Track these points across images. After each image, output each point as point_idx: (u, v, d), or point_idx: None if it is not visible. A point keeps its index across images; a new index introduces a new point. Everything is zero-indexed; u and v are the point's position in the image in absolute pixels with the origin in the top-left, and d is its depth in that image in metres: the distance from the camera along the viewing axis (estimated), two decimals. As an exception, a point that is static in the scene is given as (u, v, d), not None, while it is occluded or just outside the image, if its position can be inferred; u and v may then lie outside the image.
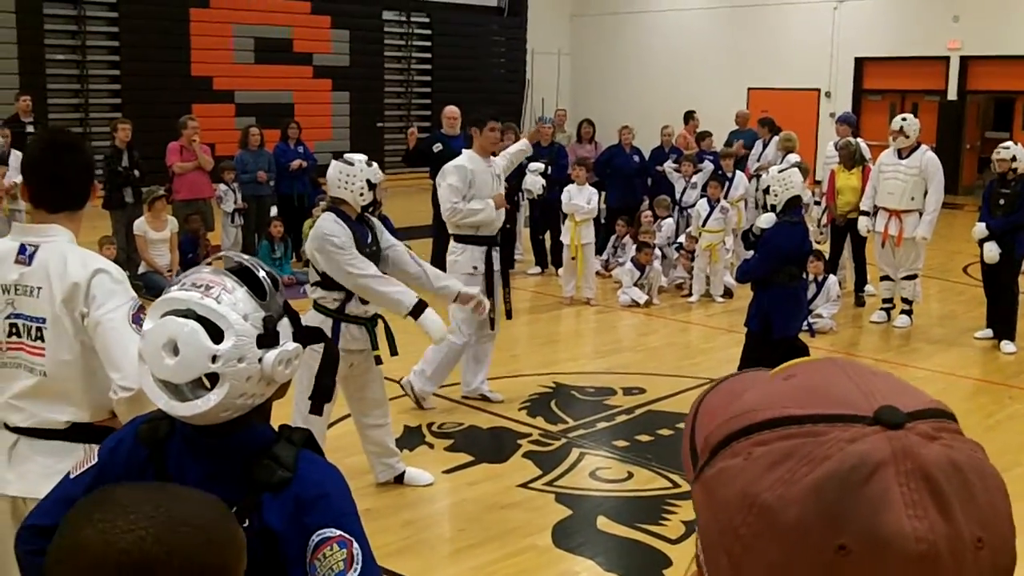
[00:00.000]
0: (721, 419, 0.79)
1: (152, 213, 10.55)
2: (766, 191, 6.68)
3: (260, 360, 1.91)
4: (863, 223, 9.68)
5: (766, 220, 6.71)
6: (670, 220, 11.67)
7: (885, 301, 9.75)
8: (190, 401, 1.89)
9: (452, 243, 6.90)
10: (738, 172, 11.59)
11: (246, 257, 2.05)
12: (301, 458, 1.96)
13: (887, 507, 0.69)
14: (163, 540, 1.24)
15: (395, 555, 4.76)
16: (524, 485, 5.66)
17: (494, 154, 7.17)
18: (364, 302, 5.17)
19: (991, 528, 0.72)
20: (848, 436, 0.72)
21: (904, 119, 9.38)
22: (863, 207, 9.68)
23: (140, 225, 10.50)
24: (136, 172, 11.14)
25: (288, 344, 1.96)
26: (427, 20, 23.19)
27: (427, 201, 11.38)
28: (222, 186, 11.87)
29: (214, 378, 1.88)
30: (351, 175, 5.16)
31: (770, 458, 0.73)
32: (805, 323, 7.80)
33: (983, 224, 8.79)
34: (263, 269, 2.02)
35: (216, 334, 1.88)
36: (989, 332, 9.01)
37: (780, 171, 6.77)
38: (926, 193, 9.26)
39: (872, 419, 0.73)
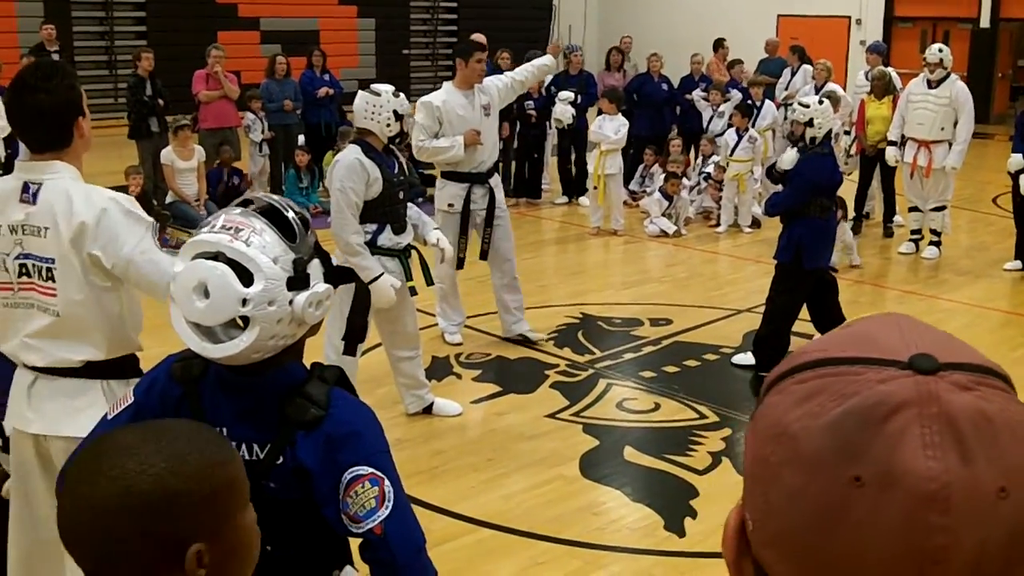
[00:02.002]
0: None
1: (178, 142, 10.55)
2: (809, 123, 6.57)
3: (290, 303, 1.91)
4: (891, 153, 9.56)
5: (789, 160, 6.64)
6: (716, 157, 11.46)
7: (913, 232, 9.68)
8: (222, 343, 1.90)
9: (438, 177, 6.85)
10: (766, 101, 11.44)
11: (275, 197, 2.04)
12: (333, 396, 1.99)
13: (904, 445, 0.70)
14: (177, 472, 1.27)
15: (425, 484, 4.85)
16: (552, 416, 5.73)
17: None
18: (396, 233, 5.19)
19: (1017, 479, 0.71)
20: (879, 377, 0.73)
21: (941, 50, 9.23)
22: (891, 136, 9.57)
23: (167, 154, 10.50)
24: (160, 101, 11.12)
25: (319, 285, 1.97)
26: (454, -56, 22.84)
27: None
28: (249, 115, 11.82)
29: (245, 320, 1.90)
30: (378, 105, 5.12)
31: (803, 393, 0.75)
32: None
33: (1019, 155, 8.65)
34: (293, 210, 2.01)
35: (246, 277, 1.88)
36: (1019, 263, 8.94)
37: (819, 102, 6.68)
38: (956, 123, 9.13)
39: (906, 364, 0.74)
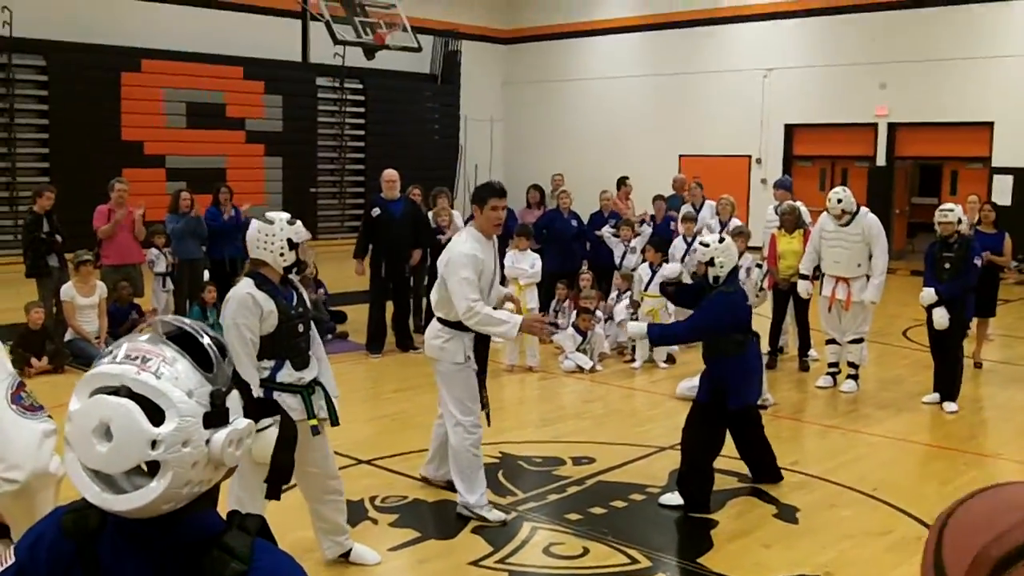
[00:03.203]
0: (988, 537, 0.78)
1: (79, 277, 10.15)
2: (710, 262, 6.50)
3: (207, 443, 1.64)
4: (803, 286, 9.64)
5: (671, 270, 6.57)
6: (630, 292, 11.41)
7: (831, 365, 9.67)
8: (127, 493, 1.61)
9: (437, 326, 6.00)
10: (697, 238, 11.47)
11: (187, 321, 1.76)
12: (257, 548, 1.70)
13: None
14: None
15: (340, 645, 4.43)
16: (476, 563, 5.36)
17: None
18: (297, 368, 4.87)
19: None
20: None
21: (840, 199, 9.25)
22: (802, 270, 9.65)
23: (67, 290, 10.10)
24: (58, 238, 10.73)
25: (239, 421, 1.70)
26: (360, 86, 23.14)
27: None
28: (153, 250, 11.53)
29: (154, 466, 1.61)
30: (271, 234, 4.85)
31: None
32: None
33: (931, 289, 8.73)
34: (208, 335, 1.73)
35: (156, 415, 1.60)
36: (936, 396, 8.94)
37: (721, 241, 6.61)
38: (871, 256, 9.24)
39: None
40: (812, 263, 9.53)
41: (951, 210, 8.99)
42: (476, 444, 6.00)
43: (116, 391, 1.61)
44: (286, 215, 5.02)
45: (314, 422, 4.91)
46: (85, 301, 10.15)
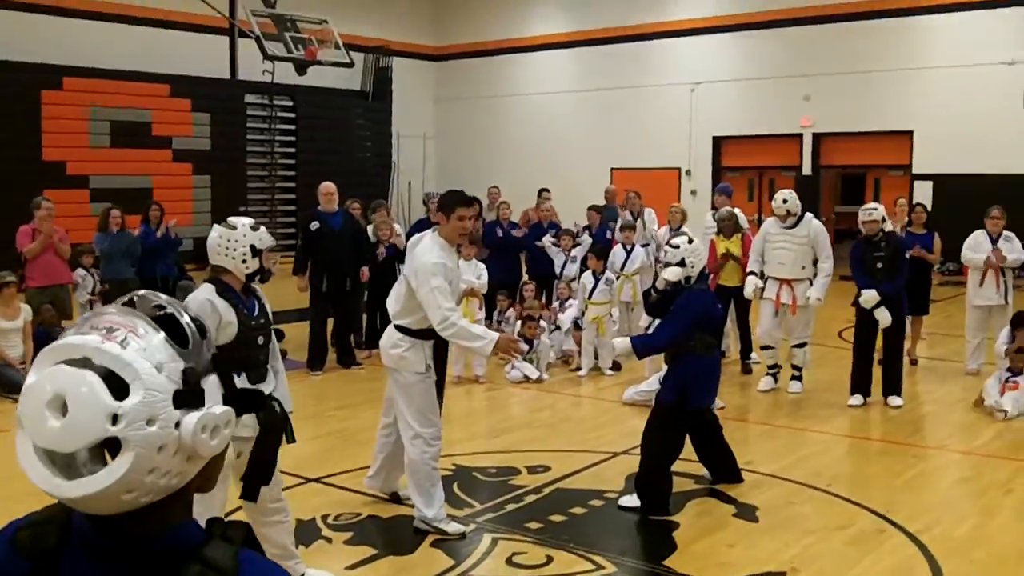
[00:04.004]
0: None
1: (2, 300, 9.79)
2: (680, 263, 6.52)
3: (177, 425, 1.44)
4: (751, 283, 9.55)
5: (673, 273, 6.53)
6: (573, 300, 11.38)
7: (771, 368, 9.70)
8: (82, 478, 1.41)
9: (396, 335, 5.84)
10: (636, 246, 11.52)
11: (165, 298, 1.57)
12: (242, 560, 1.50)
13: None
14: None
15: (304, 663, 4.27)
16: (437, 577, 5.24)
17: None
18: (254, 382, 4.71)
19: None
20: None
21: (785, 199, 9.37)
22: (751, 267, 9.62)
23: (-11, 314, 9.72)
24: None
25: (216, 407, 1.50)
26: (291, 103, 22.88)
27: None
28: (80, 271, 11.18)
29: (115, 445, 1.41)
30: (233, 240, 4.70)
31: None
32: None
33: (873, 291, 8.82)
34: (188, 314, 1.56)
35: (120, 390, 1.42)
36: (860, 398, 9.03)
37: (691, 241, 6.66)
38: (815, 261, 9.32)
39: None
40: (758, 264, 9.55)
41: (875, 209, 9.13)
42: (435, 457, 5.86)
43: (78, 363, 1.43)
44: (249, 220, 4.87)
45: None
46: (8, 325, 9.80)
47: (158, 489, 1.44)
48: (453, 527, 5.83)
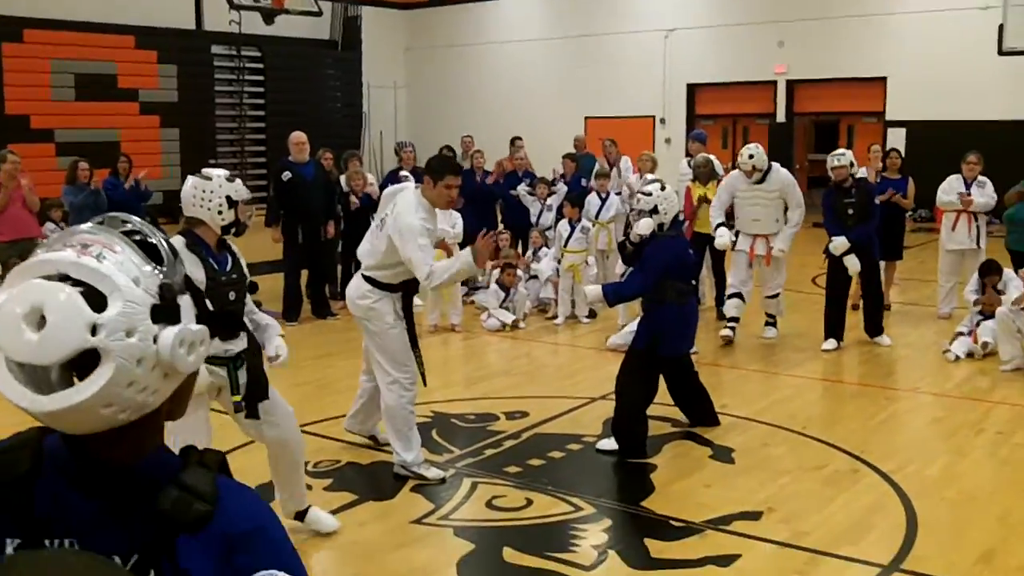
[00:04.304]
0: None
1: (-33, 257, 9.66)
2: (653, 210, 6.49)
3: (155, 339, 1.43)
4: (722, 235, 9.48)
5: (645, 225, 6.51)
6: (546, 249, 11.37)
7: (731, 319, 9.55)
8: (60, 391, 1.39)
9: (365, 286, 5.86)
10: (611, 193, 11.49)
11: (136, 220, 1.56)
12: (221, 486, 1.51)
13: None
14: None
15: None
16: (418, 521, 5.26)
17: None
18: (224, 339, 4.65)
19: None
20: None
21: (752, 154, 9.14)
22: (716, 219, 9.48)
23: (-42, 270, 9.59)
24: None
25: (192, 324, 1.49)
26: (258, 54, 22.56)
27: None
28: (50, 225, 11.05)
29: (95, 358, 1.39)
30: (208, 191, 4.61)
31: None
32: None
33: (843, 238, 8.86)
34: (159, 235, 1.55)
35: (97, 302, 1.39)
36: (834, 342, 9.11)
37: (663, 188, 6.61)
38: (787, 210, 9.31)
39: None
40: (721, 216, 9.42)
41: (843, 155, 9.14)
42: (412, 401, 5.89)
43: (54, 278, 1.40)
44: (225, 171, 4.81)
45: (237, 398, 4.67)
46: (-21, 279, 9.67)
47: (136, 405, 1.42)
48: (433, 472, 5.87)
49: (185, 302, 1.51)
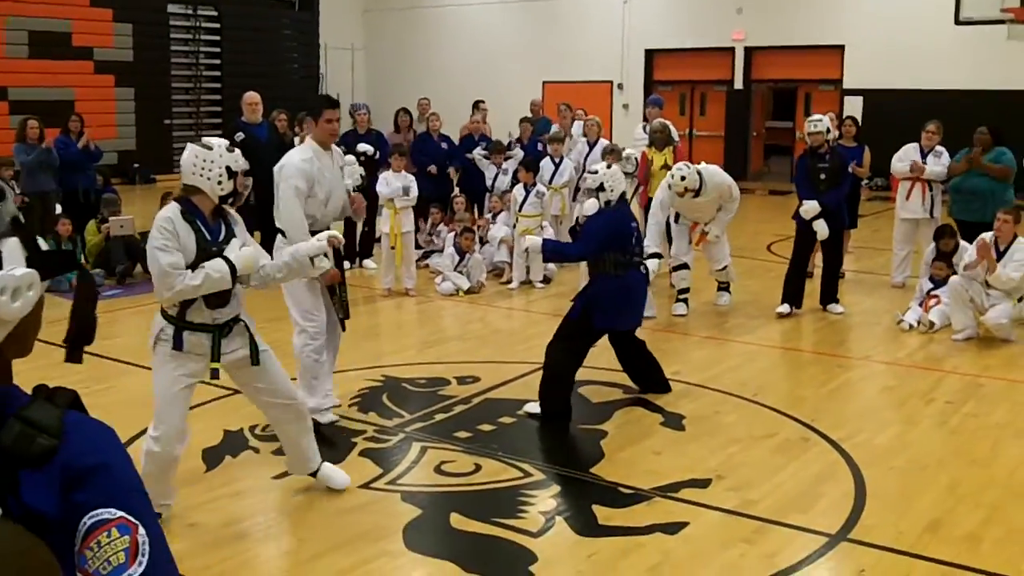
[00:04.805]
0: None
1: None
2: (600, 188, 6.47)
3: None
4: (653, 265, 9.10)
5: (591, 206, 6.54)
6: (504, 214, 11.31)
7: (682, 292, 9.42)
8: None
9: (279, 239, 5.99)
10: (565, 159, 11.42)
11: None
12: (68, 421, 1.46)
13: None
14: None
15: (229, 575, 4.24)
16: (365, 486, 5.23)
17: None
18: (211, 307, 4.59)
19: None
20: None
21: (683, 177, 8.59)
22: (653, 246, 9.03)
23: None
24: None
25: (16, 269, 1.44)
26: (215, 14, 22.23)
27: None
28: (-3, 184, 10.82)
29: None
30: (209, 160, 4.55)
31: None
32: None
33: (814, 202, 8.87)
34: None
35: None
36: (787, 307, 9.15)
37: (609, 167, 6.63)
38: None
39: None
40: (659, 237, 9.18)
41: (819, 120, 9.14)
42: (317, 351, 6.09)
43: None
44: (224, 141, 4.76)
45: (215, 366, 4.65)
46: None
47: None
48: (326, 418, 6.14)
49: (9, 245, 1.45)
